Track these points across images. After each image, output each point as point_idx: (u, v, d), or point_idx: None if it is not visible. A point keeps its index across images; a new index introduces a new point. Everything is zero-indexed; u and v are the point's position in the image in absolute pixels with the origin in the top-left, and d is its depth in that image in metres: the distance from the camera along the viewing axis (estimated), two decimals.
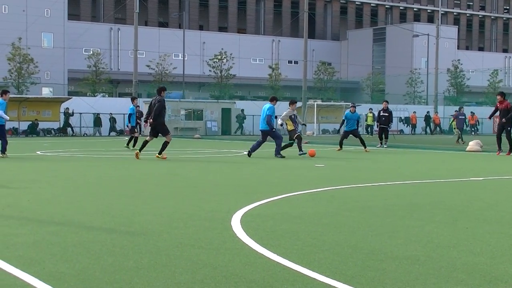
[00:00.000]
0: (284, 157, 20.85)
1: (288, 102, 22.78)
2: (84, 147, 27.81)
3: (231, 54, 64.74)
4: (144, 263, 5.54)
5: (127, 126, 28.03)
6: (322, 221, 8.00)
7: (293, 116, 22.40)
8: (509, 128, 23.30)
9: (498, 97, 23.87)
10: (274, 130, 21.51)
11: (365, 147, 25.93)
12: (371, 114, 47.66)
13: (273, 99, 22.05)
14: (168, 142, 19.54)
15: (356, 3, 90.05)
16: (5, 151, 20.06)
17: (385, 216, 8.41)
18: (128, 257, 5.79)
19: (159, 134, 20.09)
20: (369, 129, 48.15)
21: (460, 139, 35.06)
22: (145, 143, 19.68)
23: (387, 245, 6.41)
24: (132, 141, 26.51)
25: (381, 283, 4.94)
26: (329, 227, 7.56)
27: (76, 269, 5.34)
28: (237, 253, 5.99)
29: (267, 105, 21.57)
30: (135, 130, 26.90)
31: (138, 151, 19.59)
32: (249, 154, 21.15)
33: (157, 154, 19.44)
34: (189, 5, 78.62)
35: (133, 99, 28.24)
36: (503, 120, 23.26)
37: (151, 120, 19.33)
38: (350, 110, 27.22)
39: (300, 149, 22.16)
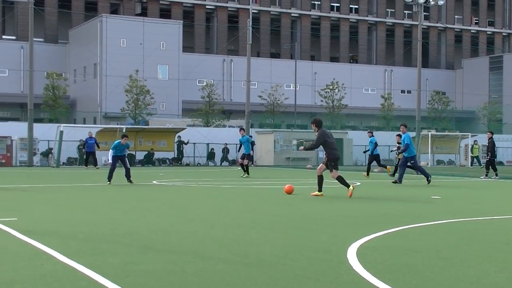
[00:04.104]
0: None
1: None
2: (197, 177, 28.30)
3: (342, 84, 64.58)
4: None
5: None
6: (441, 255, 7.78)
7: None
8: None
9: None
10: None
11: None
12: (477, 146, 47.45)
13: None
14: None
15: (472, 31, 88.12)
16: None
17: (507, 251, 8.09)
18: (244, 287, 5.80)
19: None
20: (474, 160, 47.95)
21: None
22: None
23: (511, 282, 6.15)
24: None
25: None
26: (448, 261, 7.33)
27: None
28: (354, 287, 5.89)
29: None
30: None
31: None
32: None
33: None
34: (301, 36, 79.12)
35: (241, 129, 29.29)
36: None
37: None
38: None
39: None
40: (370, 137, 30.03)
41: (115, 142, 22.64)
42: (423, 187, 21.31)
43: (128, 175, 22.18)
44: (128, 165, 22.45)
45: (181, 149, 47.09)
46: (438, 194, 18.28)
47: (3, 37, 68.28)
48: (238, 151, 30.37)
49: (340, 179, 16.89)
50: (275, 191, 19.16)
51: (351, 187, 16.69)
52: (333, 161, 16.93)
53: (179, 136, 46.97)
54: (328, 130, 17.51)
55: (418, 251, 7.96)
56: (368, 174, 28.48)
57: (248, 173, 27.92)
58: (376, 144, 29.39)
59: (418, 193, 19.31)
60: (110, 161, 22.02)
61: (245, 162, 28.25)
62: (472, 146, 47.92)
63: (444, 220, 11.43)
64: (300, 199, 16.66)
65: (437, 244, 8.64)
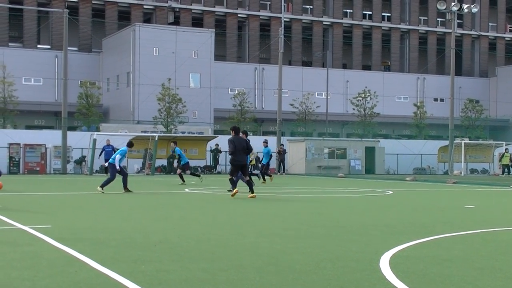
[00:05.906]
0: None
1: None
2: (228, 185, 28.22)
3: (375, 92, 64.27)
4: None
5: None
6: (475, 265, 7.69)
7: None
8: None
9: None
10: None
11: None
12: (508, 155, 46.98)
13: None
14: None
15: (506, 38, 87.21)
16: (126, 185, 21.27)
17: None
18: None
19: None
20: (505, 169, 47.51)
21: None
22: None
23: None
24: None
25: None
26: (483, 271, 7.25)
27: None
28: None
29: None
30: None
31: None
32: None
33: None
34: (332, 44, 78.95)
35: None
36: None
37: None
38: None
39: None
40: (265, 147, 32.46)
41: (123, 148, 21.46)
42: (456, 196, 21.06)
43: (125, 183, 21.06)
44: (126, 171, 21.94)
45: (217, 157, 47.33)
46: (472, 203, 18.10)
47: (38, 46, 69.10)
48: (177, 162, 31.71)
49: (232, 181, 19.54)
50: (306, 199, 19.11)
51: (234, 191, 19.03)
52: (233, 167, 19.55)
53: (216, 144, 47.24)
54: (238, 138, 19.38)
55: (451, 261, 7.88)
56: (264, 181, 29.52)
57: (184, 181, 29.02)
58: (270, 156, 32.16)
59: (451, 202, 19.14)
60: (118, 167, 20.74)
61: (179, 171, 29.70)
62: (503, 155, 47.42)
63: (478, 230, 11.30)
64: (331, 208, 16.60)
65: (471, 254, 8.54)
